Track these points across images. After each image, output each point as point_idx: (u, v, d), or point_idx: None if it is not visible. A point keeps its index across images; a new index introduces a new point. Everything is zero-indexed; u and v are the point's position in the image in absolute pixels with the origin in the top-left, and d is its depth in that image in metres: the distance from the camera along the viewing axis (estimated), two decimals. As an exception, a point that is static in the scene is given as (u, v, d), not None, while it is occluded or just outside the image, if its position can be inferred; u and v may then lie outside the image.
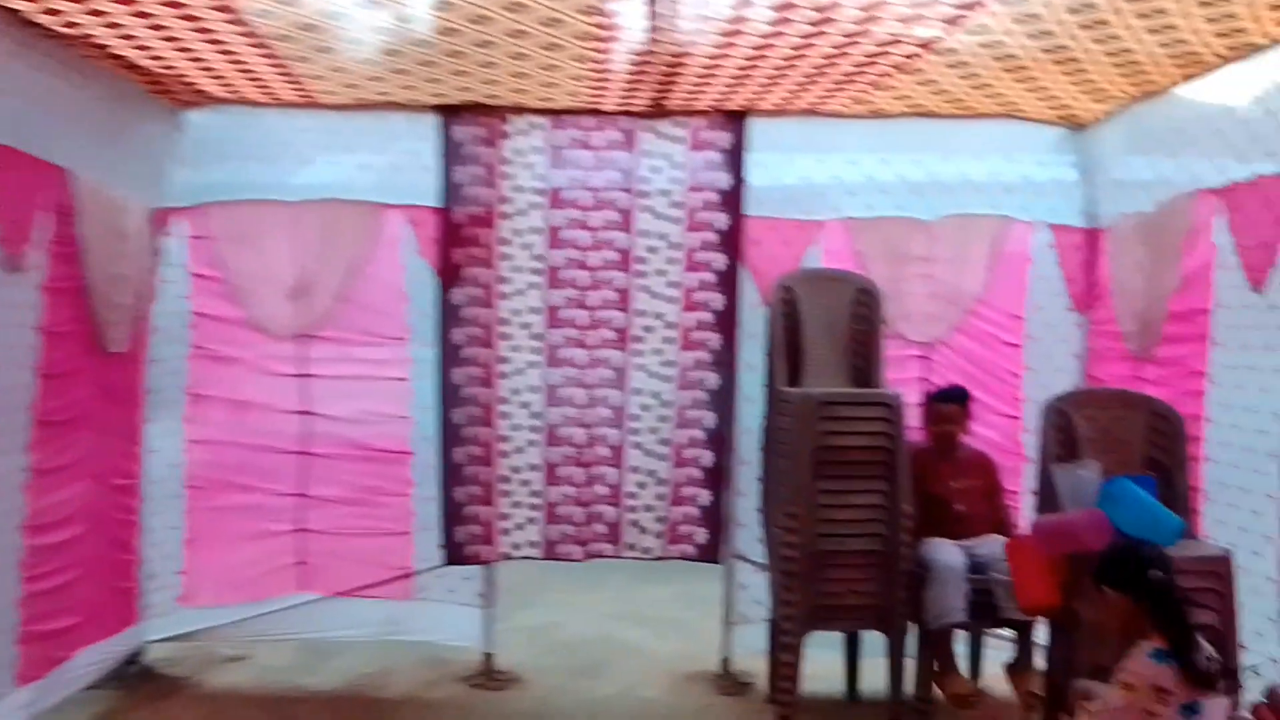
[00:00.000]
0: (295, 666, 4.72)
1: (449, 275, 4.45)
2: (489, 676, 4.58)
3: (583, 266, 4.52)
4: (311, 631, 4.70)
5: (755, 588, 4.52)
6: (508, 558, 4.61)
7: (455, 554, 4.53)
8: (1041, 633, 3.83)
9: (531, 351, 4.54)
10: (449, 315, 4.46)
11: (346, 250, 4.53)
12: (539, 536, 4.60)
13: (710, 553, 4.64)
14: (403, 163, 4.48)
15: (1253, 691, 3.06)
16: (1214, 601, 3.23)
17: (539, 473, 4.58)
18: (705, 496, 4.62)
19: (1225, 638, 3.20)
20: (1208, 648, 2.67)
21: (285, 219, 4.52)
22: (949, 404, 4.19)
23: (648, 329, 4.56)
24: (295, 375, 4.59)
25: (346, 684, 4.57)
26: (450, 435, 4.48)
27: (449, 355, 4.47)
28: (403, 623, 4.68)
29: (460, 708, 4.33)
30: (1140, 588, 2.70)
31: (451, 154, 4.39)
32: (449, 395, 4.48)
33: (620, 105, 4.36)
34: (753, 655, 4.51)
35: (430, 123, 4.40)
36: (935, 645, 3.91)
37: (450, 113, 4.38)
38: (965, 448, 4.25)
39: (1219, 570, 3.26)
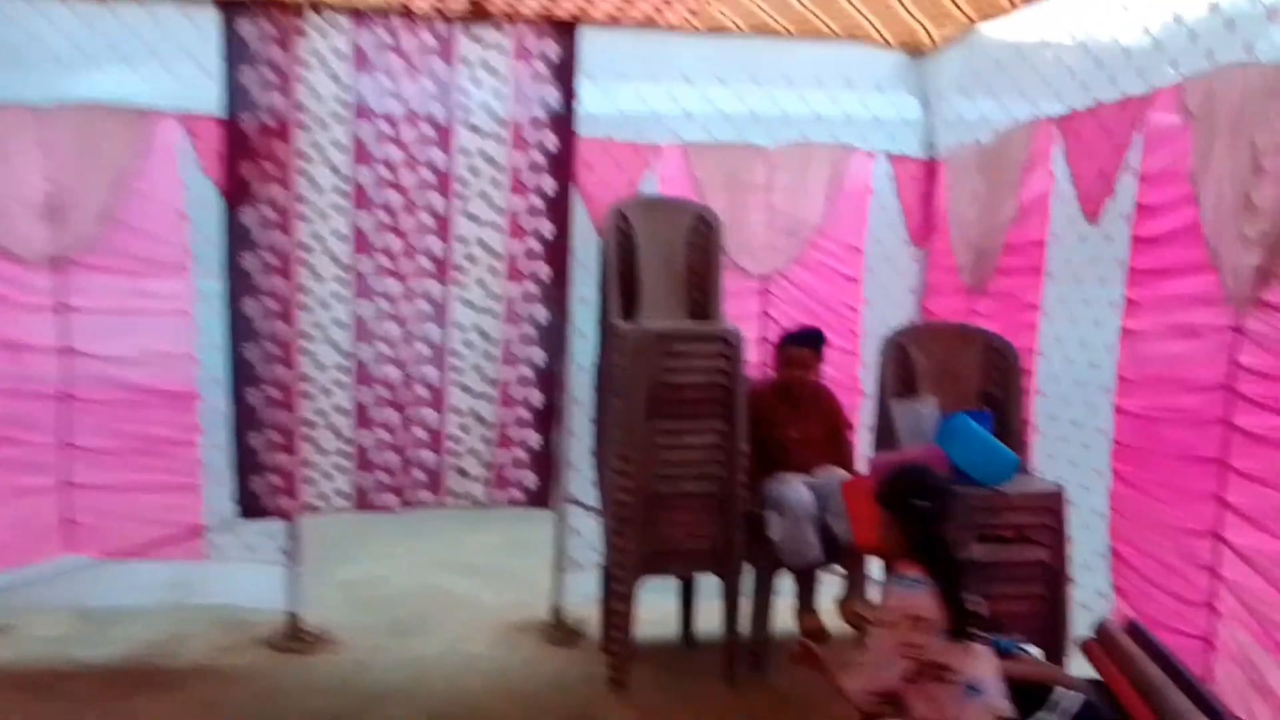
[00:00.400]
0: (68, 638, 4.22)
1: (237, 194, 3.93)
2: (295, 638, 4.21)
3: (395, 187, 4.08)
4: (87, 599, 4.23)
5: (588, 533, 4.36)
6: (313, 510, 4.21)
7: (252, 507, 4.11)
8: (875, 567, 3.76)
9: (337, 282, 4.09)
10: (238, 239, 3.95)
11: (110, 164, 3.98)
12: (349, 486, 4.22)
13: (540, 498, 4.41)
14: (177, 64, 3.91)
15: (1082, 627, 3.05)
16: (1046, 537, 3.22)
17: (348, 417, 4.18)
18: (534, 439, 4.36)
19: (1056, 573, 3.20)
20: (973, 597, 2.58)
21: (32, 127, 3.93)
22: (802, 348, 3.98)
23: (470, 258, 4.20)
24: (53, 308, 4.05)
25: (129, 654, 4.11)
26: (243, 376, 4.01)
27: (239, 285, 3.97)
28: (194, 585, 4.28)
29: (263, 674, 3.96)
30: (903, 511, 2.61)
31: (236, 55, 3.85)
32: (240, 330, 3.99)
33: (434, 4, 3.91)
34: (586, 602, 4.36)
35: (210, 18, 3.84)
36: (796, 581, 3.80)
37: (234, 7, 3.83)
38: (810, 387, 4.08)
39: (1052, 506, 3.25)
